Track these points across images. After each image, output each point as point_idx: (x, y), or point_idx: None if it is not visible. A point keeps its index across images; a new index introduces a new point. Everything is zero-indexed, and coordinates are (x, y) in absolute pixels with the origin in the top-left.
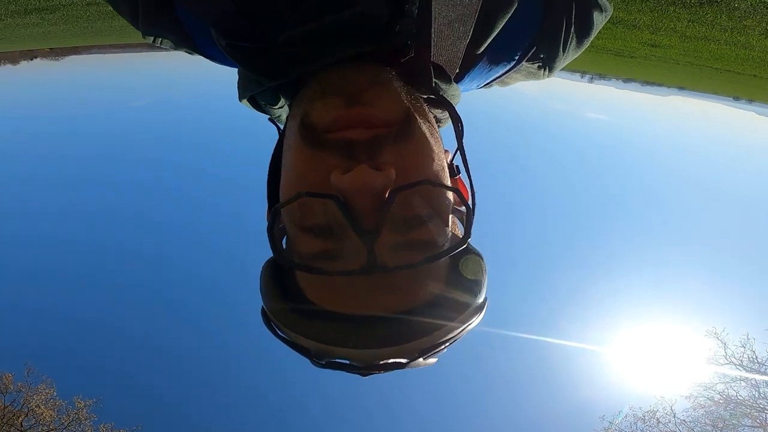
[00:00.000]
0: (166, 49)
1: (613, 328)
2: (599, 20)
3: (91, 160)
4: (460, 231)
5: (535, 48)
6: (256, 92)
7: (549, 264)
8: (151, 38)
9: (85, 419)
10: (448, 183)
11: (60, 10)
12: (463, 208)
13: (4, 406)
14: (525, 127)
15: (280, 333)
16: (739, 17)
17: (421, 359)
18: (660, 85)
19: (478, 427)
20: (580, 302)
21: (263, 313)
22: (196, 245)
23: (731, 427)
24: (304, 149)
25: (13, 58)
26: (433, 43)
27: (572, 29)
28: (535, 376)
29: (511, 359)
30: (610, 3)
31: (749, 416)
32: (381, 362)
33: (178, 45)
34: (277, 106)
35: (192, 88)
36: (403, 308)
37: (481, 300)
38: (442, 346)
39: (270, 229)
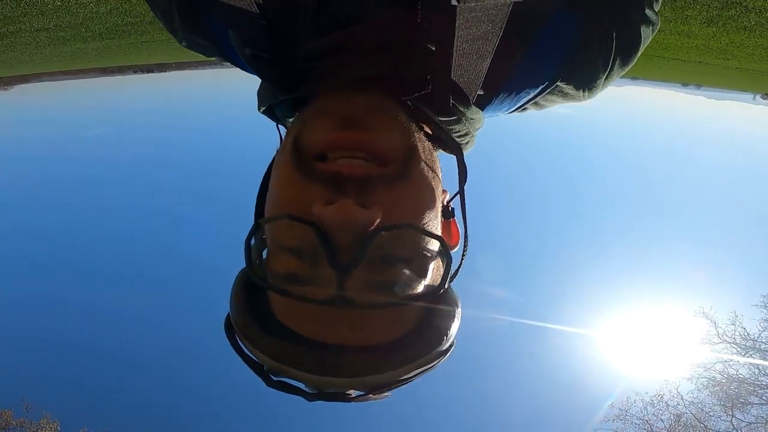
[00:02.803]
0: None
1: (601, 316)
2: (647, 35)
3: (48, 194)
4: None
5: (571, 69)
6: (273, 103)
7: (535, 253)
8: (186, 44)
9: None
10: (438, 228)
11: (7, 38)
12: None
13: None
14: (504, 129)
15: (239, 343)
16: (681, 8)
17: (371, 395)
18: None
19: (474, 422)
20: (558, 291)
21: (227, 321)
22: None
23: (740, 405)
24: (292, 173)
25: None
26: (453, 63)
27: (613, 46)
28: (532, 366)
29: (505, 350)
30: (658, 15)
31: (754, 394)
32: (330, 391)
33: (210, 52)
34: (292, 119)
35: (152, 112)
36: (364, 343)
37: (446, 346)
38: (395, 385)
39: (247, 242)
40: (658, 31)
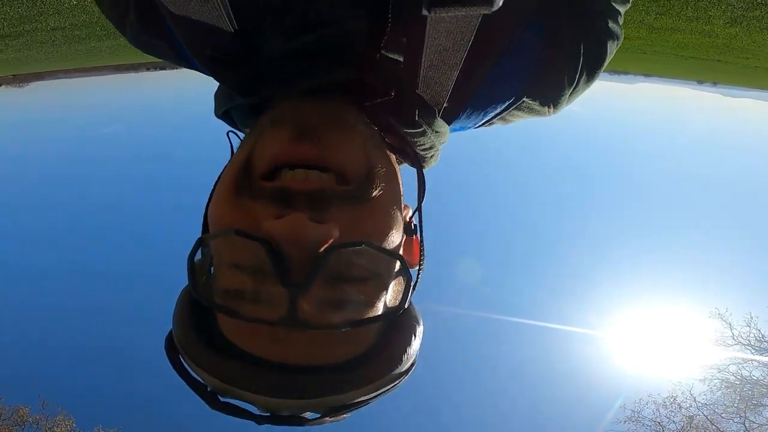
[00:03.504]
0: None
1: (616, 317)
2: (611, 49)
3: (62, 192)
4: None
5: (537, 83)
6: (230, 107)
7: (549, 254)
8: (135, 44)
9: None
10: (400, 246)
11: (24, 36)
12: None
13: None
14: (516, 127)
15: (181, 363)
16: (704, 8)
17: (327, 417)
18: (626, 73)
19: (481, 423)
20: (571, 289)
21: (168, 339)
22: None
23: (753, 407)
24: (235, 192)
25: None
26: (420, 74)
27: (581, 61)
28: (546, 368)
29: (513, 350)
30: (621, 29)
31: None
32: (283, 414)
33: (162, 53)
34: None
35: (165, 109)
36: (319, 362)
37: (406, 366)
38: (352, 408)
39: (190, 258)
40: (677, 30)
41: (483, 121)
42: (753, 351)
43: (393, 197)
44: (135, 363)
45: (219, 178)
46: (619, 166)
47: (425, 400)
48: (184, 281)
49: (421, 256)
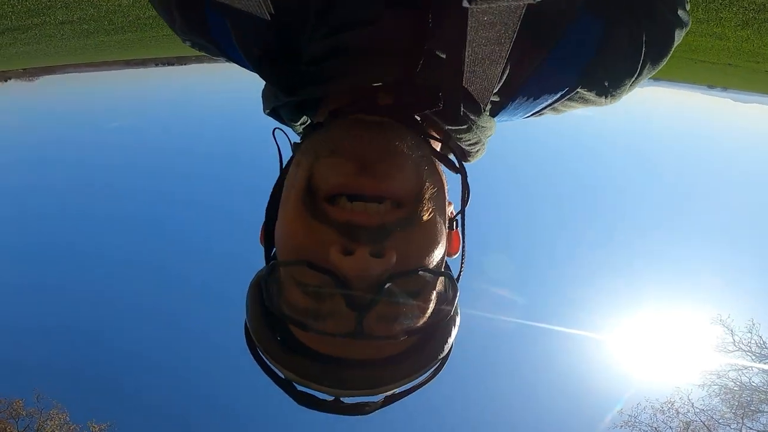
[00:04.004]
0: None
1: (616, 322)
2: (678, 37)
3: (69, 186)
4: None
5: (593, 75)
6: (277, 105)
7: (553, 257)
8: (188, 43)
9: None
10: (444, 257)
11: (33, 30)
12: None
13: None
14: (522, 129)
15: (264, 360)
16: (715, 9)
17: (385, 404)
18: None
19: (482, 422)
20: (575, 293)
21: (247, 334)
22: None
23: (751, 413)
24: (304, 216)
25: None
26: (465, 69)
27: (643, 51)
28: (539, 370)
29: (513, 350)
30: (689, 15)
31: (767, 402)
32: (348, 403)
33: (212, 51)
34: (298, 123)
35: (175, 105)
36: (378, 356)
37: (446, 351)
38: (409, 393)
39: (264, 280)
40: (688, 32)
41: (532, 112)
42: (753, 357)
43: (440, 213)
44: (130, 359)
45: (278, 187)
46: (625, 171)
47: (423, 400)
48: (185, 279)
49: (462, 256)
